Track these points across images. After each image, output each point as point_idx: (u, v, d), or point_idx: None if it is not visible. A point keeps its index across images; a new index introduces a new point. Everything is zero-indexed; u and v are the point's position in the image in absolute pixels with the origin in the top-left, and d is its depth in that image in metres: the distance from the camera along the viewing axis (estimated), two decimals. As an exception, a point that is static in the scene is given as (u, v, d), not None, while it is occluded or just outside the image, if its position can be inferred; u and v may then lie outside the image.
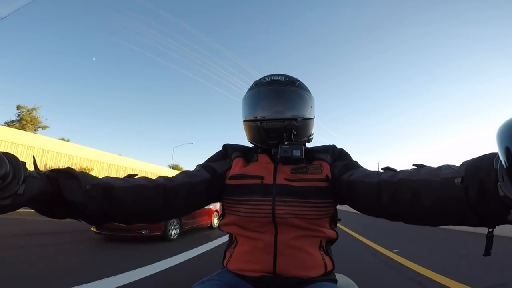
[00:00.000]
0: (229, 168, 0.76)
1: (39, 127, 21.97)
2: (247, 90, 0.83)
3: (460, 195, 0.41)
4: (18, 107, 21.15)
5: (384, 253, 4.10)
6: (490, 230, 0.44)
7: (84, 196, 0.52)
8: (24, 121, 20.88)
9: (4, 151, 0.42)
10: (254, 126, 0.76)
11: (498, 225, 0.41)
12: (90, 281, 2.31)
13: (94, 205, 0.53)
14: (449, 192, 0.43)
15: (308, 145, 0.83)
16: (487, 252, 0.47)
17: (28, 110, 21.30)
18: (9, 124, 19.91)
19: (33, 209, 0.49)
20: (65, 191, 0.51)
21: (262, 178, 0.72)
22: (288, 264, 0.66)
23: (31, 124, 21.25)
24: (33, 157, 0.54)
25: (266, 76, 0.81)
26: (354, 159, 0.78)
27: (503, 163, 0.33)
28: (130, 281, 2.40)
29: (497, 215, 0.38)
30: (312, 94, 0.83)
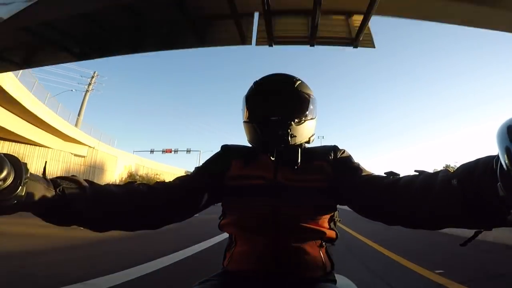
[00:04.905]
0: (228, 169, 0.76)
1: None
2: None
3: (457, 197, 0.42)
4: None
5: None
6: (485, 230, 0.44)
7: (88, 202, 0.53)
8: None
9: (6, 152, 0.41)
10: (251, 128, 0.76)
11: (495, 227, 0.41)
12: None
13: (96, 211, 0.54)
14: (446, 194, 0.44)
15: (309, 145, 0.82)
16: (465, 244, 0.50)
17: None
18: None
19: (35, 214, 0.48)
20: (69, 197, 0.51)
21: (262, 178, 0.71)
22: (288, 264, 0.67)
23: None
24: (45, 162, 0.58)
25: (266, 76, 0.81)
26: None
27: (503, 163, 0.32)
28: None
29: (495, 216, 0.39)
30: (314, 94, 0.80)
